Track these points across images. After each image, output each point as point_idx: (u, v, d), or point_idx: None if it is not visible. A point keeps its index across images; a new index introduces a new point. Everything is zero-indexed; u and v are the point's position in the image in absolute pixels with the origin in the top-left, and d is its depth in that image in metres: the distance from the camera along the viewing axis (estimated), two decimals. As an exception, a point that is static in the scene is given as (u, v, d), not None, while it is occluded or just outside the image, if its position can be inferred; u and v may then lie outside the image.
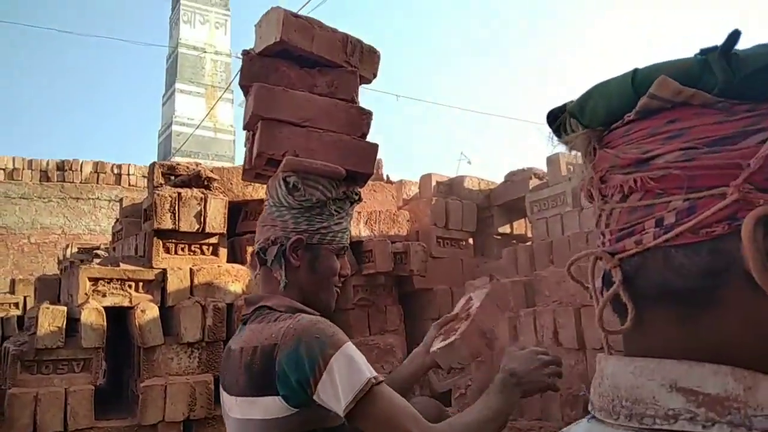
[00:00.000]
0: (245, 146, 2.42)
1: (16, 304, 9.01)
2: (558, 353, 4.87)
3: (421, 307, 6.53)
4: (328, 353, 1.24)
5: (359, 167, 1.74)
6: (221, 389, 1.53)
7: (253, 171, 2.15)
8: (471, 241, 7.05)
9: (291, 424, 1.27)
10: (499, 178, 7.44)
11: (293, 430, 1.27)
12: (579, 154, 0.55)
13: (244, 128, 2.04)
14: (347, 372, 1.23)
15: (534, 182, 6.67)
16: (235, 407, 1.39)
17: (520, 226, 7.31)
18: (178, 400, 4.87)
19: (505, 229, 7.23)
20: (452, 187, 7.20)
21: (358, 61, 1.86)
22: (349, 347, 1.28)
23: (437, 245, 6.65)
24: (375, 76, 1.90)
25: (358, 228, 6.32)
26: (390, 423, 1.21)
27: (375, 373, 1.26)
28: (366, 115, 1.83)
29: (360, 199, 1.63)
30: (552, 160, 6.43)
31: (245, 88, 1.94)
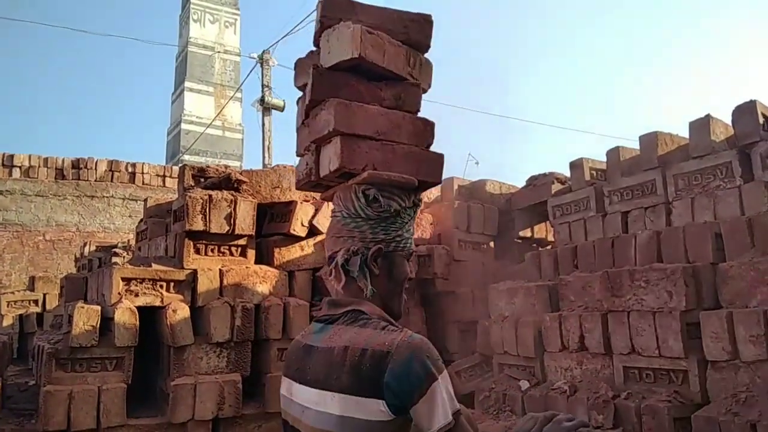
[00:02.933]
0: (299, 155, 2.45)
1: (36, 301, 9.11)
2: (584, 358, 4.94)
3: (444, 310, 6.59)
4: (434, 376, 1.33)
5: (429, 176, 1.80)
6: (290, 382, 1.56)
7: (315, 182, 2.19)
8: (492, 244, 7.10)
9: (391, 427, 1.34)
10: (519, 183, 7.49)
11: None
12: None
13: (313, 141, 2.07)
14: (442, 399, 1.32)
15: (556, 187, 6.72)
16: (330, 402, 1.43)
17: (540, 230, 7.36)
18: (207, 399, 4.93)
19: (526, 232, 7.28)
20: (473, 190, 7.25)
21: (419, 73, 1.91)
22: (446, 374, 1.39)
23: (459, 248, 6.70)
24: (430, 86, 1.95)
25: (382, 230, 6.37)
26: None
27: (457, 404, 1.37)
28: (430, 126, 1.89)
29: (420, 205, 1.72)
30: (575, 165, 6.48)
31: (314, 101, 1.97)
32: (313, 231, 5.83)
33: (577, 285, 5.31)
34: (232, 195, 5.37)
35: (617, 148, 6.15)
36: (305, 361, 1.53)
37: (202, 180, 5.50)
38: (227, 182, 5.42)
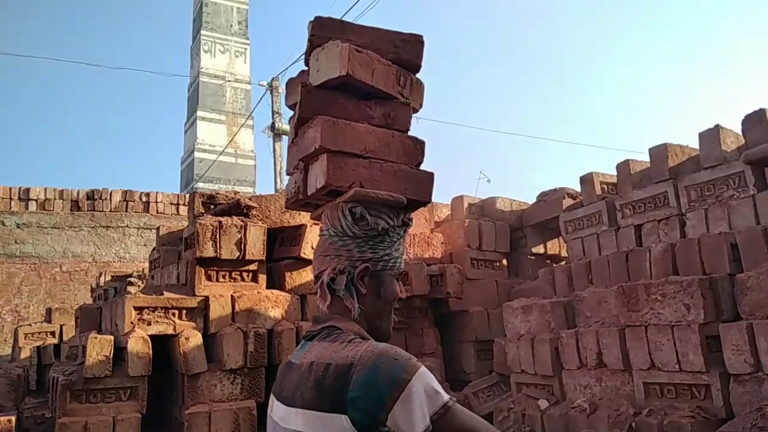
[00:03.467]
0: (288, 174, 2.43)
1: (53, 333, 9.15)
2: (603, 375, 4.85)
3: (458, 329, 6.52)
4: (407, 376, 1.26)
5: (418, 195, 1.78)
6: (272, 399, 1.55)
7: (303, 200, 2.17)
8: (505, 262, 7.04)
9: None
10: (530, 199, 7.45)
11: None
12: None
13: (301, 159, 2.06)
14: (425, 395, 1.26)
15: (567, 202, 6.67)
16: (294, 419, 1.41)
17: (553, 246, 7.29)
18: (221, 427, 4.90)
19: (539, 249, 7.21)
20: (484, 208, 7.21)
21: (409, 92, 1.90)
22: (425, 370, 1.32)
23: (472, 267, 6.65)
24: (421, 106, 1.93)
25: (393, 251, 6.35)
26: None
27: (446, 395, 1.30)
28: (420, 145, 1.86)
29: (410, 224, 1.65)
30: (586, 180, 6.43)
31: (302, 119, 1.96)
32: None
33: (592, 300, 5.23)
34: (242, 221, 5.39)
35: (627, 161, 6.10)
36: (284, 378, 1.51)
37: (212, 207, 5.53)
38: (237, 208, 5.44)
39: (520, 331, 5.69)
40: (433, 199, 6.54)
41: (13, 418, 4.44)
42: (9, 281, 12.90)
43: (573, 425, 4.82)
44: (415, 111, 1.93)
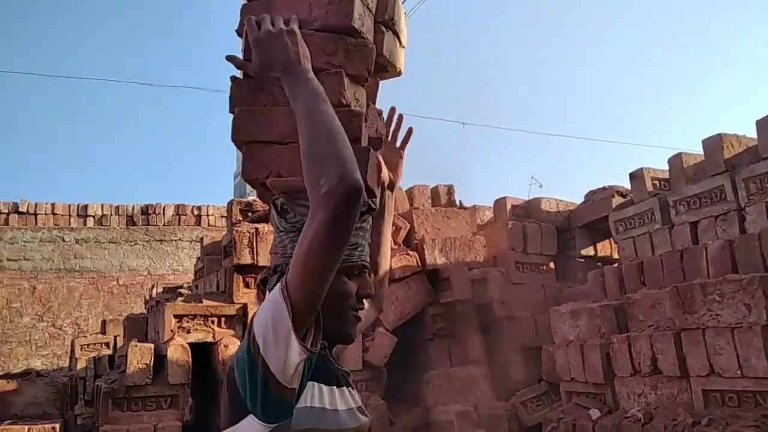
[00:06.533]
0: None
1: (107, 344, 9.38)
2: (658, 382, 4.54)
3: (504, 336, 6.28)
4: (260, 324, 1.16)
5: None
6: None
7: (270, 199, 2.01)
8: (552, 265, 6.77)
9: None
10: (578, 199, 7.15)
11: None
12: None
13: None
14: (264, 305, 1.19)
15: (617, 200, 6.35)
16: None
17: (604, 248, 6.96)
18: (262, 436, 4.84)
19: (589, 251, 6.90)
20: (528, 210, 6.97)
21: (343, 59, 1.57)
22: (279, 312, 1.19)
23: (516, 270, 6.42)
24: (368, 69, 1.60)
25: (433, 255, 6.19)
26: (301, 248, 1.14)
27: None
28: (356, 117, 1.53)
29: (372, 210, 1.43)
30: (636, 176, 6.11)
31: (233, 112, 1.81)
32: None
33: (645, 303, 4.93)
34: (279, 227, 5.35)
35: (679, 154, 5.76)
36: None
37: (249, 214, 5.52)
38: (273, 215, 5.42)
39: (569, 336, 5.42)
40: (475, 201, 6.27)
41: (57, 425, 4.52)
42: (69, 295, 13.40)
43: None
44: (360, 77, 1.62)
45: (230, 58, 1.47)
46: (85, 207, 14.31)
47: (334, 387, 1.27)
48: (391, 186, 1.74)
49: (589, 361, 5.08)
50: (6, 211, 13.86)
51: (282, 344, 1.12)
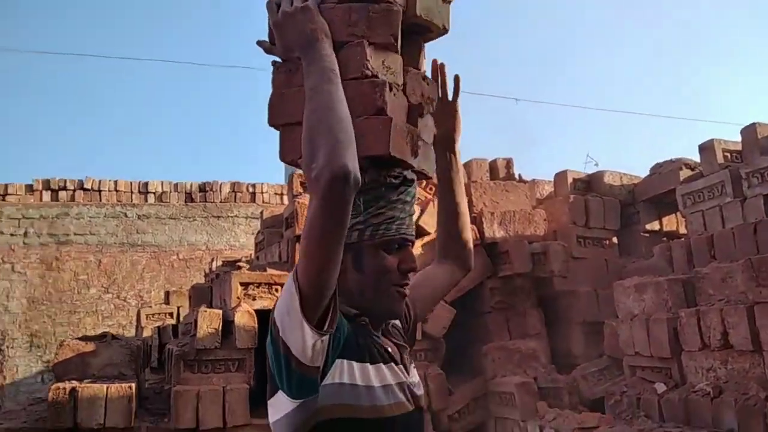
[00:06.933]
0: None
1: (171, 314, 9.76)
2: (729, 356, 4.42)
3: (564, 311, 6.22)
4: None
5: (372, 149, 1.42)
6: None
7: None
8: (615, 239, 6.63)
9: (296, 418, 1.20)
10: (641, 173, 6.95)
11: (301, 425, 1.21)
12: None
13: None
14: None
15: (685, 173, 6.15)
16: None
17: (670, 222, 6.77)
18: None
19: (653, 225, 6.72)
20: (591, 183, 6.83)
21: (365, 28, 1.48)
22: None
23: (578, 245, 6.32)
24: (395, 37, 1.51)
25: (492, 229, 6.15)
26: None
27: None
28: (378, 87, 1.44)
29: (408, 181, 1.39)
30: (706, 148, 5.90)
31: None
32: (420, 231, 5.74)
33: (716, 277, 4.79)
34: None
35: (753, 124, 5.52)
36: None
37: (311, 185, 5.61)
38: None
39: (633, 311, 5.32)
40: (534, 176, 6.19)
41: (134, 385, 4.74)
42: (132, 268, 13.95)
43: (694, 410, 4.44)
44: (390, 43, 1.51)
45: (260, 43, 1.47)
46: (146, 184, 14.82)
47: (368, 364, 1.27)
48: (451, 144, 1.66)
49: (655, 335, 4.98)
50: (72, 188, 14.48)
51: (297, 328, 1.15)
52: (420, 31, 1.63)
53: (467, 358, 6.10)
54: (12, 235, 13.53)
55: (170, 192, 14.87)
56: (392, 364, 1.33)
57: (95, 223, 14.13)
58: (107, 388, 4.68)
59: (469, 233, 1.70)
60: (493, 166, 6.96)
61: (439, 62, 1.67)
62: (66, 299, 13.47)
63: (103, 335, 5.40)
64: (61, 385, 4.68)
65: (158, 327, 9.28)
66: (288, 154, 1.54)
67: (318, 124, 1.19)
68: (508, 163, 6.94)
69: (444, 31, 1.65)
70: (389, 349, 1.35)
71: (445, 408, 5.53)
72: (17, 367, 12.86)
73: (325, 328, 1.17)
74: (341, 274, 1.31)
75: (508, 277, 6.03)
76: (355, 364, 1.25)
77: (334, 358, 1.22)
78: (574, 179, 6.75)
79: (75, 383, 4.70)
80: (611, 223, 6.53)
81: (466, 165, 6.88)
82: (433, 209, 5.65)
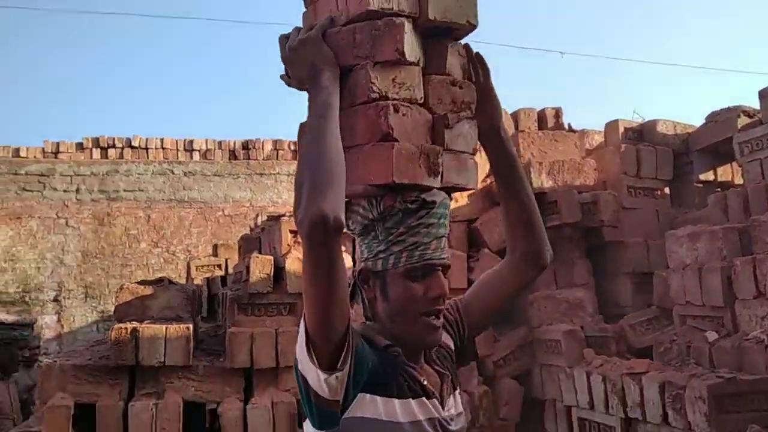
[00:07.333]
0: None
1: (219, 266, 10.04)
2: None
3: (613, 261, 6.15)
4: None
5: (377, 177, 1.37)
6: None
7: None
8: (667, 190, 6.48)
9: None
10: (695, 123, 6.72)
11: None
12: None
13: None
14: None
15: (743, 121, 5.92)
16: None
17: (725, 172, 6.57)
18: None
19: (708, 176, 6.54)
20: (643, 133, 6.64)
21: (369, 47, 1.41)
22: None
23: (629, 195, 6.20)
24: (401, 52, 1.42)
25: (540, 178, 6.07)
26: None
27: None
28: (383, 111, 1.38)
29: (424, 205, 1.33)
30: (766, 95, 5.65)
31: None
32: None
33: (773, 225, 4.65)
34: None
35: (822, 67, 5.25)
36: None
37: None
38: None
39: (685, 260, 5.23)
40: (584, 125, 6.04)
41: (191, 326, 4.94)
42: (180, 224, 14.34)
43: (747, 358, 4.38)
44: (396, 59, 1.42)
45: (282, 77, 1.47)
46: (191, 142, 15.08)
47: (395, 399, 1.25)
48: (495, 131, 1.55)
49: (708, 284, 4.90)
50: (121, 145, 14.85)
51: (310, 366, 1.20)
52: (442, 33, 1.54)
53: (513, 307, 6.11)
54: (65, 191, 14.01)
55: (214, 149, 15.11)
56: (424, 398, 1.30)
57: (143, 179, 14.50)
58: (166, 328, 4.89)
59: (538, 225, 1.55)
60: (541, 116, 6.83)
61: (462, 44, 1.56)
62: (117, 253, 13.98)
63: (161, 279, 5.61)
64: (122, 325, 4.90)
65: (207, 278, 9.60)
66: None
67: (302, 165, 1.20)
68: (557, 112, 6.80)
69: (471, 27, 1.55)
70: (423, 381, 1.32)
71: (491, 354, 5.60)
72: (74, 317, 13.49)
73: (339, 366, 1.18)
74: (373, 302, 1.34)
75: (557, 226, 5.97)
76: (378, 398, 1.24)
77: (356, 391, 1.22)
78: (625, 128, 6.58)
79: (136, 324, 4.92)
80: (663, 174, 6.37)
81: (514, 115, 6.77)
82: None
